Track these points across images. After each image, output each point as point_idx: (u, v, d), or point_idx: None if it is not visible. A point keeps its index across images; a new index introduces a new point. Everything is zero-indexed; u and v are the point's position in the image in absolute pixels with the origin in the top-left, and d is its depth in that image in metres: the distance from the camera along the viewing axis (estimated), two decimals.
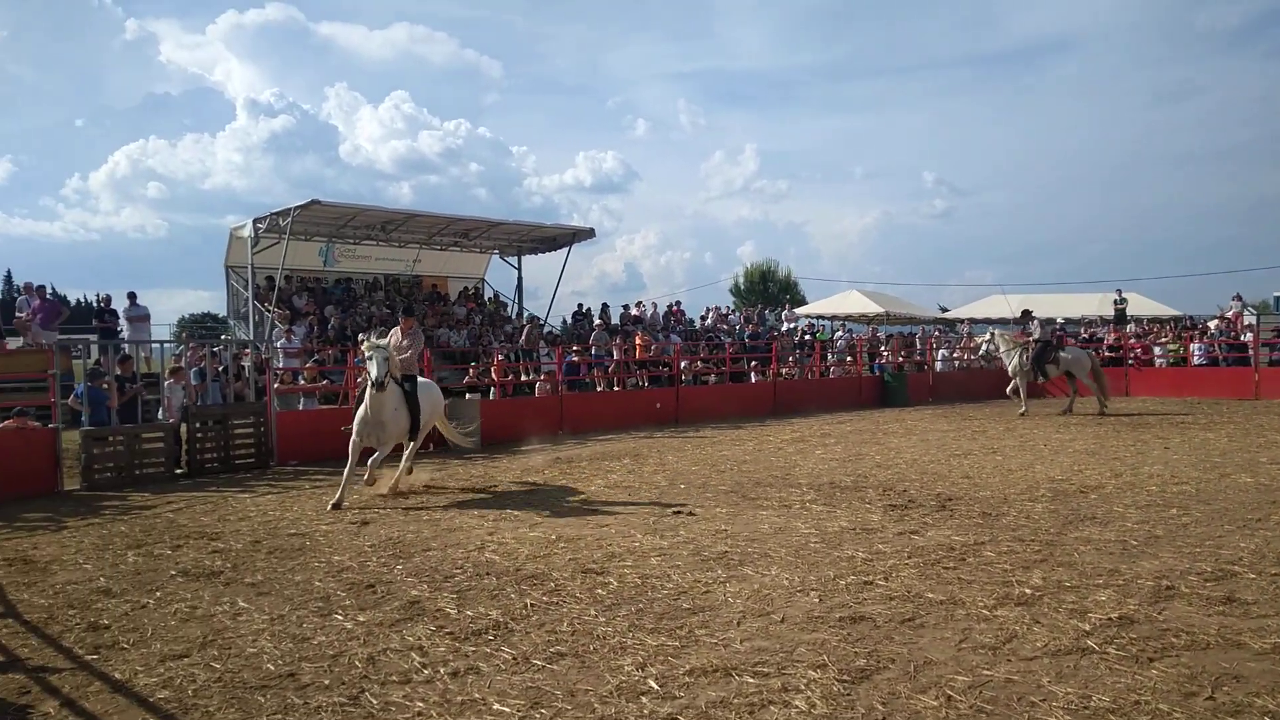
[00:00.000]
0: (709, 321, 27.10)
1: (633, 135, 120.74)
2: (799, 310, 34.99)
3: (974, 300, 38.91)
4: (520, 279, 24.88)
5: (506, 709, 3.88)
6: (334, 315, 19.41)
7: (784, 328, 28.05)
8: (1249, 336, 23.89)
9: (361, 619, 5.26)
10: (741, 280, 56.41)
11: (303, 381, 15.61)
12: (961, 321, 34.25)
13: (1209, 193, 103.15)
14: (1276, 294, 27.17)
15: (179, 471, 12.09)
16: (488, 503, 9.38)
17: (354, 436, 9.60)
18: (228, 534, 8.02)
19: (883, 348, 26.67)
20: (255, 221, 18.48)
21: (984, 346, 20.96)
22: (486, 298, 25.20)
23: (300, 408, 14.83)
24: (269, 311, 18.52)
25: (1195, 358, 24.30)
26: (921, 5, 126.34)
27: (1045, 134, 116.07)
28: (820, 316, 34.57)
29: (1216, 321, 26.67)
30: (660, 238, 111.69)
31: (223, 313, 23.48)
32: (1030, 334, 18.96)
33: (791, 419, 18.83)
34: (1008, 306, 35.63)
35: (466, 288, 24.73)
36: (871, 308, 34.02)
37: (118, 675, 4.45)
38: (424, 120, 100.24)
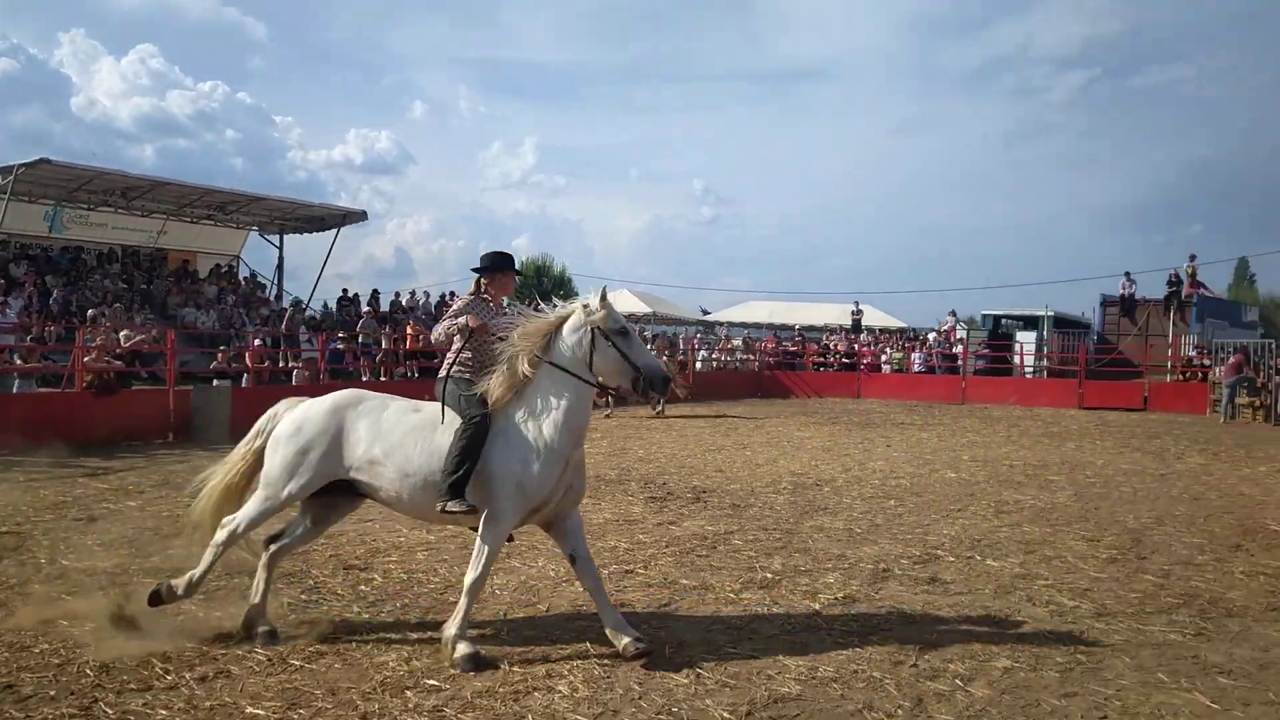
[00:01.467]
0: None
1: (409, 117, 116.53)
2: None
3: (733, 305, 41.40)
4: (281, 259, 23.44)
5: (261, 711, 3.77)
6: (58, 288, 17.35)
7: None
8: (959, 348, 27.24)
9: (90, 625, 4.84)
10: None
11: (19, 361, 13.84)
12: (721, 324, 36.31)
13: (937, 218, 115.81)
14: (984, 312, 31.15)
15: None
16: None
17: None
18: None
19: (649, 346, 27.75)
20: None
21: None
22: (242, 277, 23.50)
23: (15, 390, 13.15)
24: None
25: (916, 365, 27.34)
26: (702, 19, 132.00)
27: (803, 153, 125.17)
28: None
29: (935, 334, 30.15)
30: (434, 224, 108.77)
31: None
32: None
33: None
34: (764, 312, 38.21)
35: (219, 265, 22.93)
36: (640, 307, 35.23)
37: None
38: (174, 78, 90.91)
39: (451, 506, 4.32)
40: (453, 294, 27.90)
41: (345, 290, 23.63)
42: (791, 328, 35.30)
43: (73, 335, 14.48)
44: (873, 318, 35.11)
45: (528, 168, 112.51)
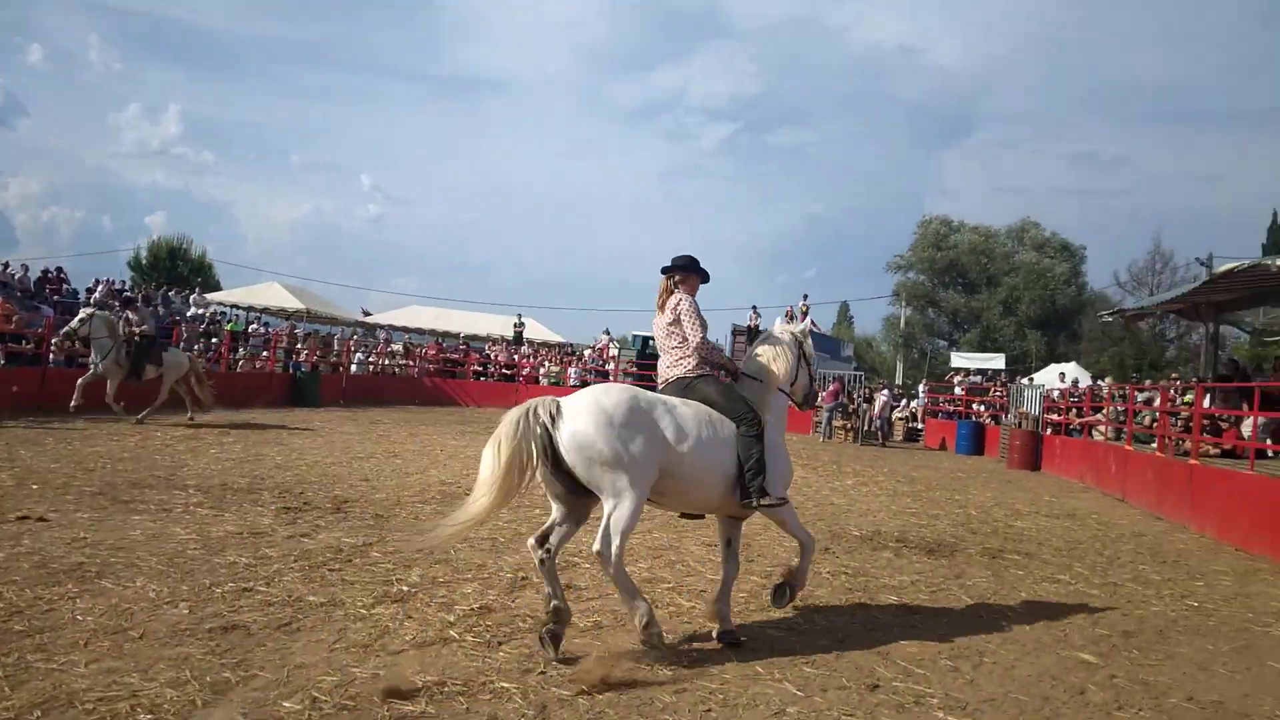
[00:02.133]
0: (98, 295, 23.45)
1: (22, 60, 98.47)
2: (213, 296, 32.30)
3: (396, 308, 40.17)
4: None
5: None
6: None
7: (190, 313, 25.59)
8: (612, 365, 28.80)
9: None
10: (145, 254, 49.87)
11: None
12: (382, 327, 35.05)
13: (598, 240, 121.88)
14: (635, 333, 33.27)
15: None
16: None
17: None
18: None
19: (300, 345, 25.98)
20: None
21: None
22: None
23: None
24: None
25: (571, 379, 28.43)
26: (382, 10, 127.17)
27: (478, 162, 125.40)
28: (236, 305, 32.31)
29: (590, 350, 31.61)
30: (47, 189, 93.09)
31: None
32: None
33: (187, 413, 17.21)
34: (429, 318, 37.49)
35: None
36: (293, 303, 32.91)
37: None
38: None
39: (766, 501, 4.94)
40: (60, 269, 24.07)
41: None
42: (455, 335, 35.03)
43: None
44: (534, 330, 35.96)
45: (170, 137, 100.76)
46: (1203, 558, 9.23)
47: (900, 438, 25.77)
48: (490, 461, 4.70)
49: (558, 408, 4.80)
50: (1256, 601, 7.29)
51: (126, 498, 8.25)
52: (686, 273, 5.40)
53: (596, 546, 4.64)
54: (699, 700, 4.25)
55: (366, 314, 38.88)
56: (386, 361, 29.31)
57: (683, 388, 5.17)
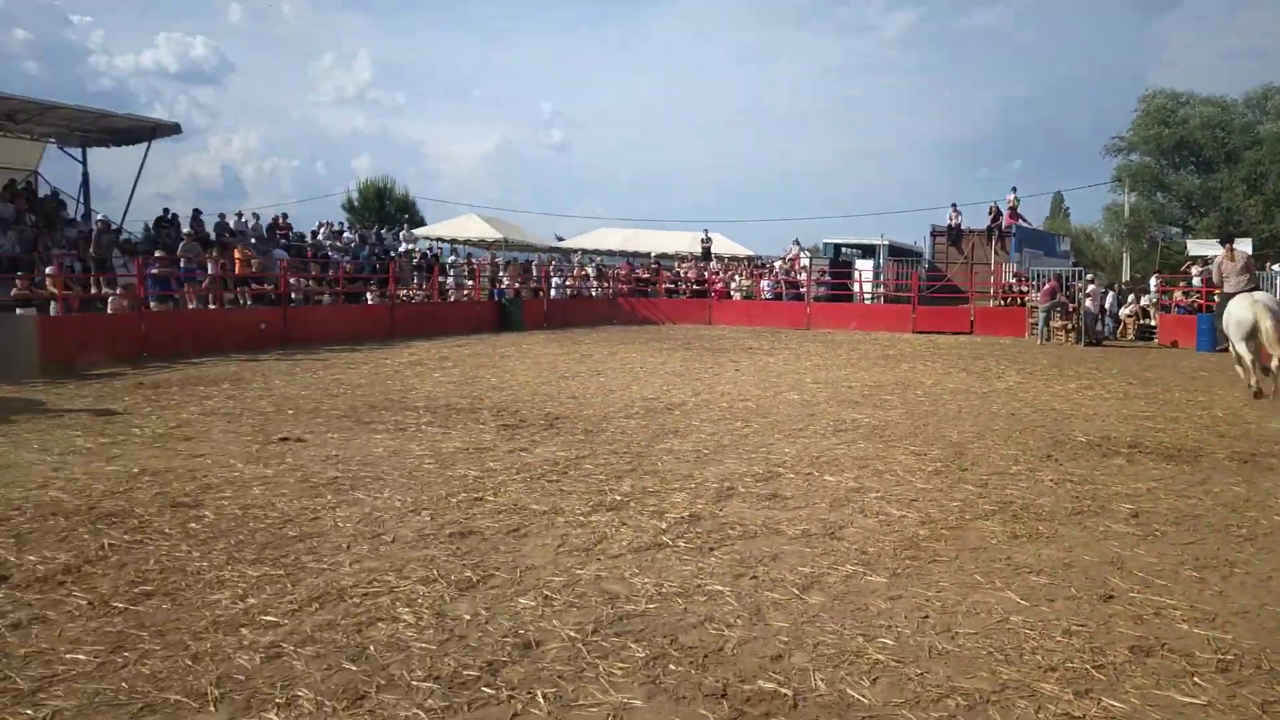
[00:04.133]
0: (320, 237, 25.57)
1: (225, 21, 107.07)
2: (418, 231, 34.35)
3: (587, 231, 41.16)
4: (86, 175, 21.29)
5: (82, 656, 3.52)
6: None
7: (402, 248, 27.41)
8: (804, 276, 28.22)
9: None
10: (356, 196, 53.70)
11: None
12: (575, 251, 36.07)
13: (779, 148, 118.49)
14: (825, 240, 32.31)
15: None
16: (50, 435, 8.15)
17: None
18: None
19: (501, 273, 27.26)
20: None
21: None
22: (41, 195, 21.25)
23: None
24: None
25: (764, 292, 28.18)
26: None
27: (652, 79, 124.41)
28: (440, 239, 34.25)
29: (781, 262, 31.09)
30: (263, 141, 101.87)
31: None
32: None
33: (410, 342, 18.64)
34: (618, 240, 38.19)
35: (14, 181, 20.59)
36: (491, 233, 34.44)
37: None
38: None
39: None
40: (285, 215, 26.35)
41: (166, 210, 21.85)
42: (645, 255, 35.49)
43: None
44: (722, 245, 35.75)
45: (363, 82, 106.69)
46: None
47: (1132, 336, 23.70)
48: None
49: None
50: None
51: (367, 419, 9.10)
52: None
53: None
54: (915, 607, 4.21)
55: (559, 239, 40.10)
56: (582, 284, 30.25)
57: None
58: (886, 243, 29.69)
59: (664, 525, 5.45)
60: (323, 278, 21.41)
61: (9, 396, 10.30)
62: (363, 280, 22.44)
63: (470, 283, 26.25)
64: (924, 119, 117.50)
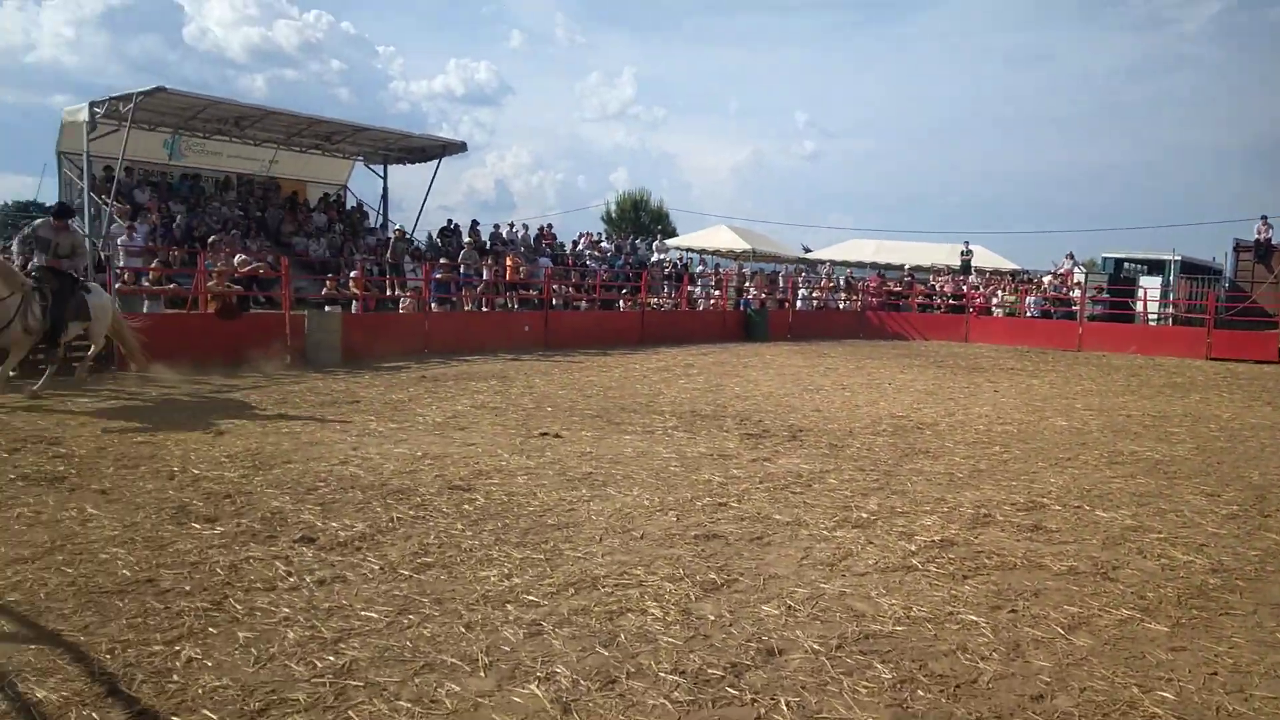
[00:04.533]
0: (581, 247, 27.07)
1: (507, 46, 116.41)
2: (670, 242, 35.41)
3: (835, 243, 40.47)
4: (385, 189, 23.99)
5: (374, 615, 3.98)
6: (180, 214, 18.22)
7: (654, 258, 28.37)
8: (1077, 293, 25.99)
9: (220, 528, 5.19)
10: (614, 207, 56.34)
11: (147, 283, 14.69)
12: (823, 262, 35.57)
13: (1052, 154, 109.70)
14: (1105, 254, 29.53)
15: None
16: (349, 418, 9.26)
17: None
18: (68, 439, 7.62)
19: (748, 284, 27.46)
20: (92, 105, 16.93)
21: None
22: (349, 206, 24.20)
23: (145, 310, 13.99)
24: (107, 205, 17.18)
25: (1029, 310, 26.26)
26: None
27: (910, 86, 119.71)
28: (690, 249, 35.10)
29: (1050, 277, 28.83)
30: (533, 157, 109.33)
31: (50, 202, 21.55)
32: None
33: (658, 349, 19.25)
34: (869, 251, 37.25)
35: (327, 194, 23.64)
36: (739, 244, 34.81)
37: None
38: (280, 8, 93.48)
39: None
40: (550, 225, 28.13)
41: (449, 221, 24.14)
42: (898, 267, 34.27)
43: (194, 260, 15.25)
44: (983, 258, 33.76)
45: (626, 99, 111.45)
46: None
47: None
48: None
49: None
50: None
51: (618, 420, 9.53)
52: None
53: None
54: (1201, 661, 3.77)
55: (807, 250, 39.72)
56: (830, 296, 29.76)
57: None
58: (1178, 258, 26.65)
59: (913, 548, 5.26)
60: (581, 284, 22.65)
61: (317, 383, 11.82)
62: (617, 288, 23.49)
63: (717, 292, 26.67)
64: (1223, 121, 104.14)
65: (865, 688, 3.43)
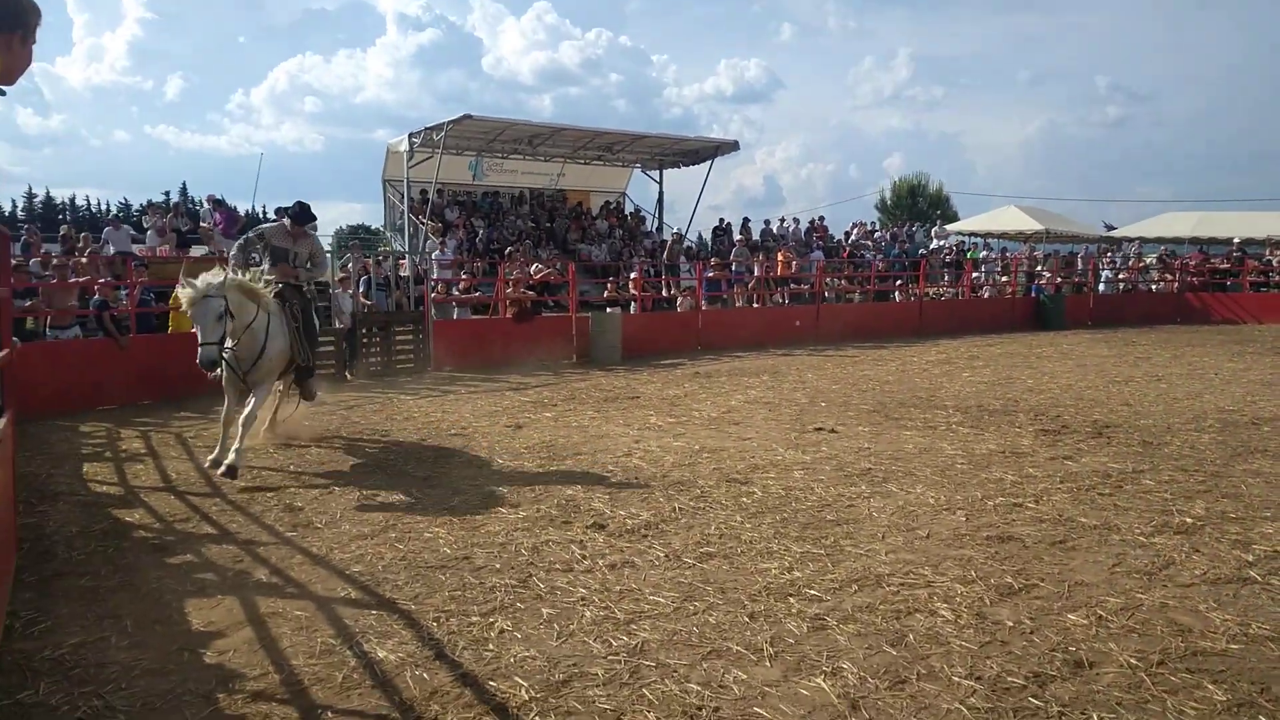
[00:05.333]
0: (853, 238, 26.40)
1: (777, 41, 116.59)
2: (950, 227, 33.53)
3: (1145, 218, 36.20)
4: (661, 193, 24.87)
5: (662, 599, 4.17)
6: (481, 228, 20.08)
7: (932, 245, 27.02)
8: None
9: (523, 513, 5.67)
10: (888, 195, 54.32)
11: (457, 292, 16.36)
12: (1130, 240, 31.93)
13: None
14: None
15: (347, 375, 13.04)
16: (631, 413, 9.72)
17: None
18: (395, 431, 8.69)
19: (1040, 267, 25.35)
20: (410, 136, 19.17)
21: None
22: (627, 212, 25.38)
23: (454, 317, 15.60)
24: (423, 224, 19.35)
25: None
26: None
27: (1238, 31, 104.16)
28: (974, 234, 32.99)
29: None
30: (801, 149, 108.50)
31: (376, 224, 24.67)
32: None
33: (938, 340, 18.34)
34: (1188, 225, 33.02)
35: (608, 202, 24.95)
36: (1030, 224, 32.16)
37: (315, 550, 5.01)
38: (565, 30, 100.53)
39: None
40: (821, 218, 27.71)
41: (720, 220, 24.56)
42: (1225, 241, 29.93)
43: (495, 269, 16.74)
44: None
45: (901, 81, 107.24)
46: None
47: None
48: None
49: None
50: None
51: (896, 415, 9.20)
52: None
53: None
54: None
55: (1110, 228, 35.83)
56: (1139, 277, 26.68)
57: None
58: None
59: (1250, 558, 4.61)
60: (854, 276, 22.10)
61: (600, 380, 12.53)
62: (892, 278, 22.64)
63: (1005, 279, 24.85)
64: None
65: (1193, 709, 3.06)
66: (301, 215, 7.88)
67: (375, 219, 24.70)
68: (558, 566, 4.65)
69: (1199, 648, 3.56)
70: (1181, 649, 3.55)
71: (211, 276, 6.67)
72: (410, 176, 19.80)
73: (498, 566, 4.66)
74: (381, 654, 3.64)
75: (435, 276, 16.29)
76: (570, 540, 5.07)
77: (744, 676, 3.38)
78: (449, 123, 18.14)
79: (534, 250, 19.08)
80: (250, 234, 7.97)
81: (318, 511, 5.82)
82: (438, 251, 17.56)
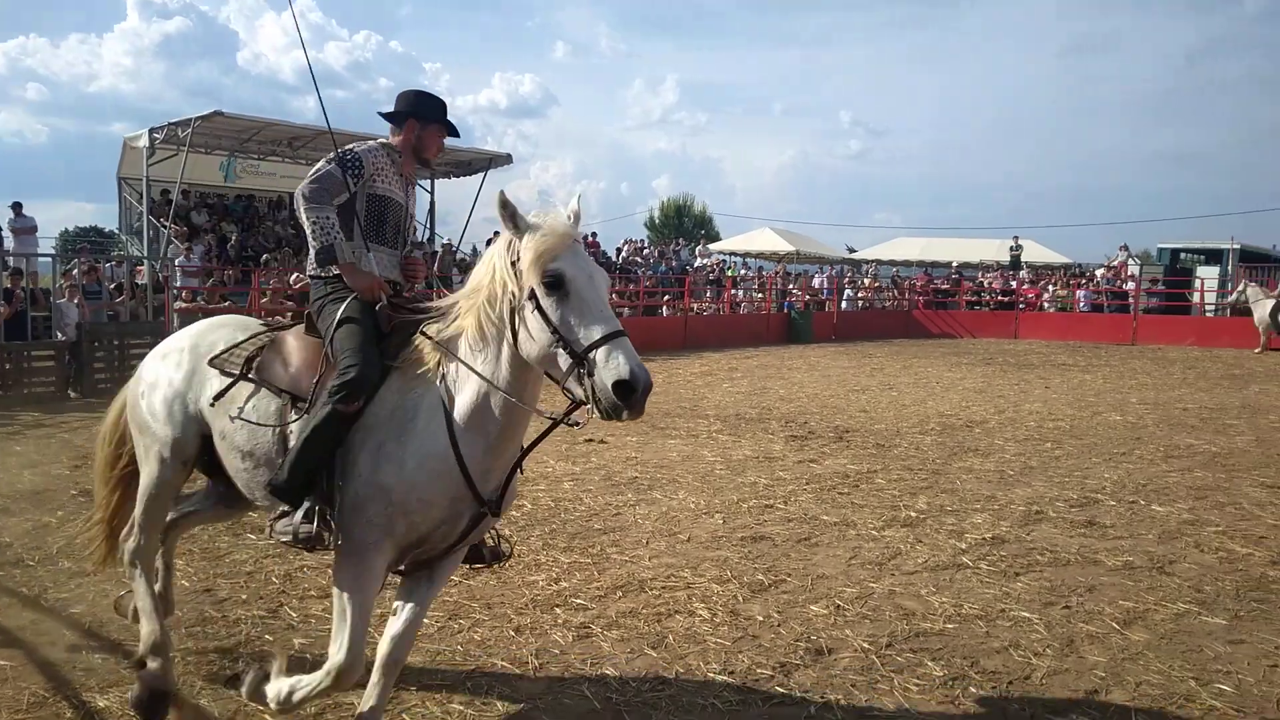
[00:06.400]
0: (625, 255, 27.16)
1: (552, 58, 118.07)
2: (713, 246, 35.32)
3: (880, 242, 40.04)
4: (432, 203, 24.33)
5: (425, 620, 4.05)
6: (234, 234, 18.71)
7: (697, 263, 28.36)
8: (1131, 285, 25.39)
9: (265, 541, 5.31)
10: (657, 214, 56.43)
11: (201, 302, 15.11)
12: (868, 262, 35.20)
13: (1104, 143, 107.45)
14: (1160, 245, 28.80)
15: (71, 394, 11.65)
16: None
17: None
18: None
19: (792, 286, 27.32)
20: (152, 131, 17.46)
21: (1235, 296, 21.49)
22: None
23: None
24: (165, 227, 17.69)
25: (1080, 304, 25.72)
26: None
27: (959, 79, 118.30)
28: (734, 253, 34.98)
29: (1103, 270, 28.20)
30: (576, 166, 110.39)
31: (110, 226, 22.27)
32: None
33: (701, 353, 19.23)
34: (916, 249, 36.81)
35: None
36: (783, 246, 34.59)
37: (25, 591, 4.43)
38: (331, 31, 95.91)
39: None
40: (594, 234, 28.27)
41: (495, 233, 24.37)
42: (945, 265, 33.74)
43: (249, 278, 15.65)
44: (1033, 253, 33.08)
45: (669, 105, 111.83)
46: None
47: None
48: None
49: None
50: None
51: (662, 425, 9.55)
52: None
53: None
54: (1261, 654, 3.70)
55: (851, 250, 39.34)
56: (875, 296, 29.45)
57: None
58: (1237, 246, 25.89)
59: (963, 545, 5.21)
60: (624, 291, 22.72)
61: None
62: (660, 294, 23.53)
63: (760, 295, 26.57)
64: None
65: (916, 685, 3.41)
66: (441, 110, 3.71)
67: (109, 220, 22.27)
68: (313, 593, 4.40)
69: (921, 629, 3.97)
70: (906, 631, 3.95)
71: None
72: (151, 175, 18.00)
73: (244, 598, 4.34)
74: (103, 703, 3.28)
75: (179, 284, 14.98)
76: (327, 565, 4.81)
77: (508, 691, 3.37)
78: (197, 119, 16.73)
79: (294, 259, 18.01)
80: (339, 162, 3.58)
81: (30, 548, 5.15)
82: (181, 257, 16.13)
